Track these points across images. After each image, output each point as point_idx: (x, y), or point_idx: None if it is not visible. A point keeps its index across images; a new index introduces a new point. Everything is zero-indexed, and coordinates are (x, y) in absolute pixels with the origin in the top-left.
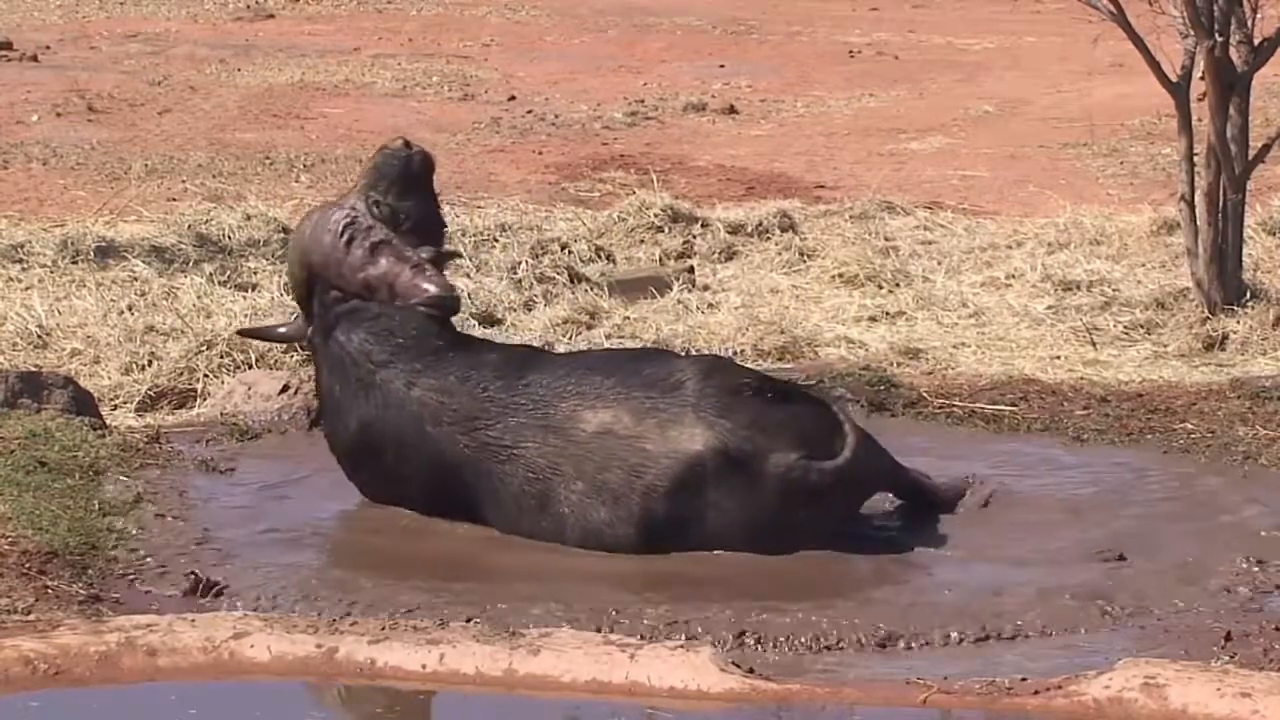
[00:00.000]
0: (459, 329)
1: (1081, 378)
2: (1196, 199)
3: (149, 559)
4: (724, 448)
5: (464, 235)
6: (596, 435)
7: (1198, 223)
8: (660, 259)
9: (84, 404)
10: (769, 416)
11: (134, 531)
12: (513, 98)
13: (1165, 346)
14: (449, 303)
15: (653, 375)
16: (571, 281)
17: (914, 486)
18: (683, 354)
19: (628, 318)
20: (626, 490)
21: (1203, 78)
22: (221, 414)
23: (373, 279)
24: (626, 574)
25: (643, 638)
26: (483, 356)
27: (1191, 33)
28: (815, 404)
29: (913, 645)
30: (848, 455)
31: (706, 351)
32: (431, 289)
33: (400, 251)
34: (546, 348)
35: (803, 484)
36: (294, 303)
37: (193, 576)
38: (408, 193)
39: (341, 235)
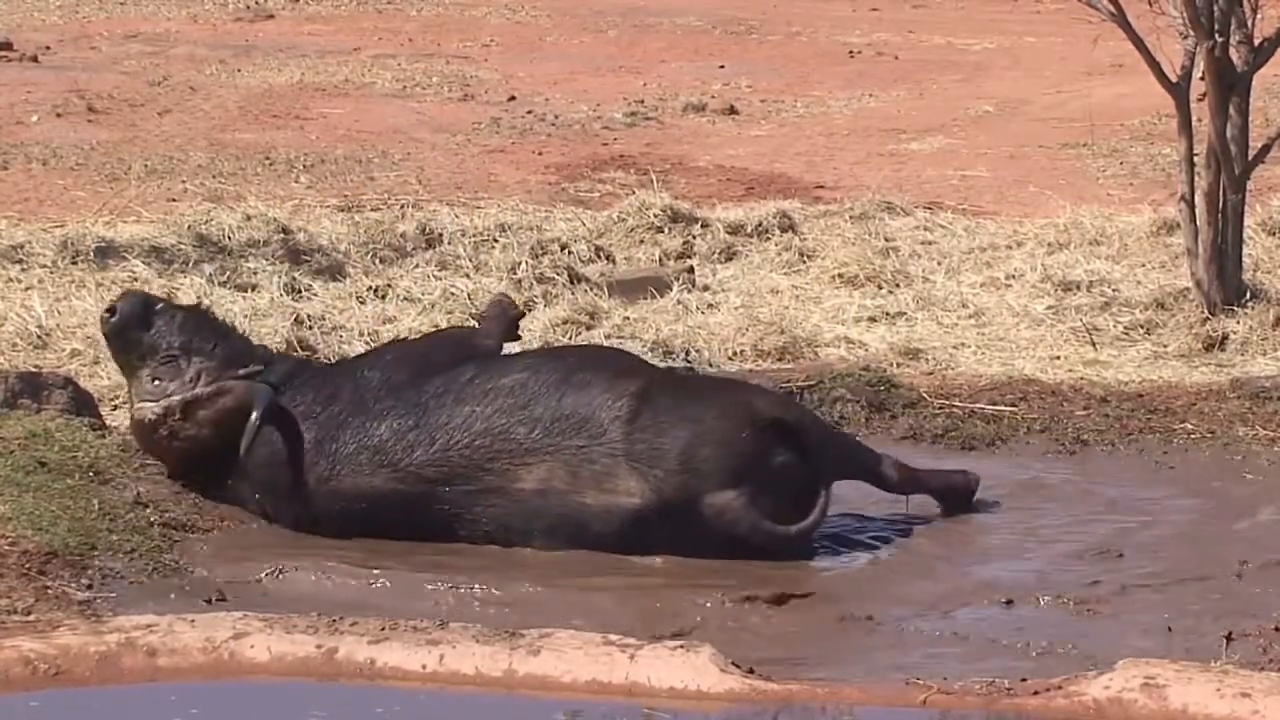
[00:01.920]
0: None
1: (1081, 378)
2: (1196, 199)
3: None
4: (659, 497)
5: (464, 235)
6: (537, 494)
7: (1198, 223)
8: (660, 259)
9: (84, 404)
10: (699, 453)
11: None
12: (513, 98)
13: (1165, 347)
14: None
15: (577, 417)
16: (571, 282)
17: (874, 473)
18: (599, 365)
19: (627, 318)
20: (578, 542)
21: (1203, 78)
22: None
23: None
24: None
25: (642, 638)
26: (374, 428)
27: (1191, 33)
28: (756, 422)
29: None
30: (812, 520)
31: (705, 352)
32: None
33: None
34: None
35: (740, 529)
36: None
37: None
38: (145, 336)
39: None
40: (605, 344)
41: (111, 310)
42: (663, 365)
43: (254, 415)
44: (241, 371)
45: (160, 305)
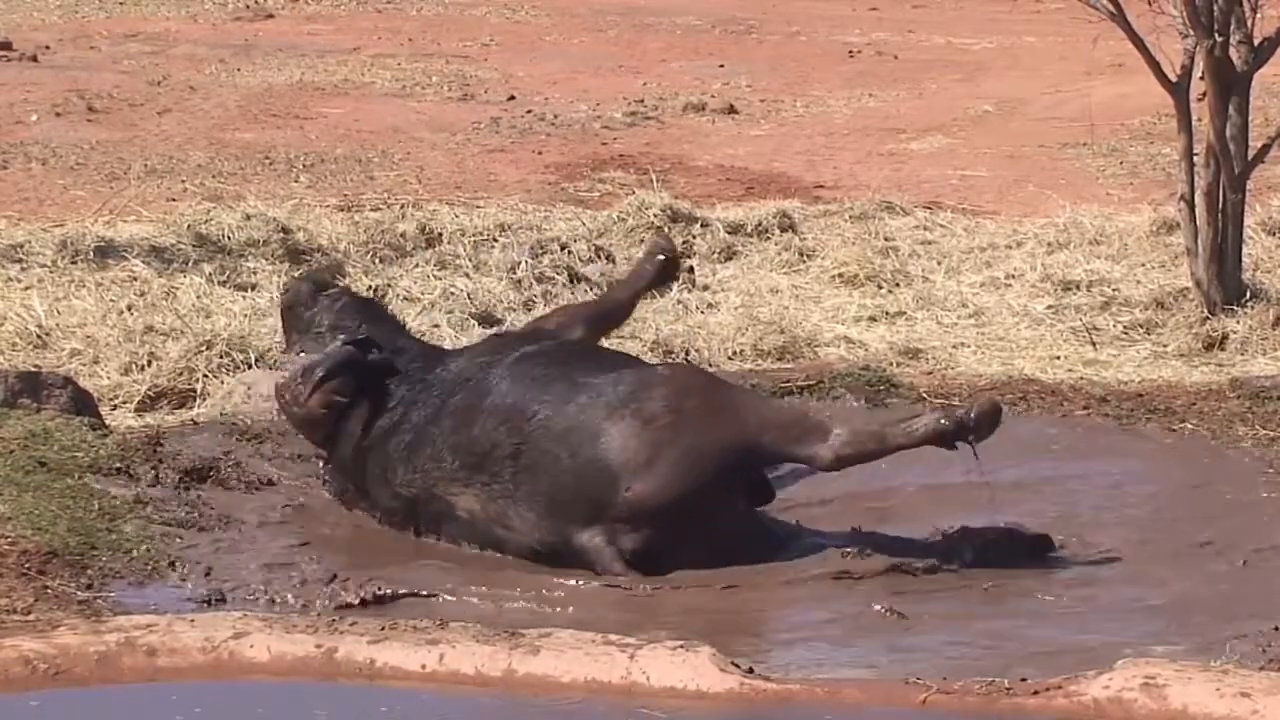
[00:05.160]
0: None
1: (1081, 378)
2: (1196, 199)
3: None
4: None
5: (464, 235)
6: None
7: (1197, 222)
8: None
9: (83, 404)
10: (535, 487)
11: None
12: (512, 98)
13: (1165, 346)
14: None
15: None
16: (571, 281)
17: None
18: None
19: None
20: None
21: (1202, 77)
22: (221, 414)
23: None
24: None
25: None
26: (431, 430)
27: (1191, 32)
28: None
29: None
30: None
31: (704, 351)
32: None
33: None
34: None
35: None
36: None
37: None
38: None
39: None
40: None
41: (285, 289)
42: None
43: (318, 369)
44: (345, 340)
45: (332, 290)
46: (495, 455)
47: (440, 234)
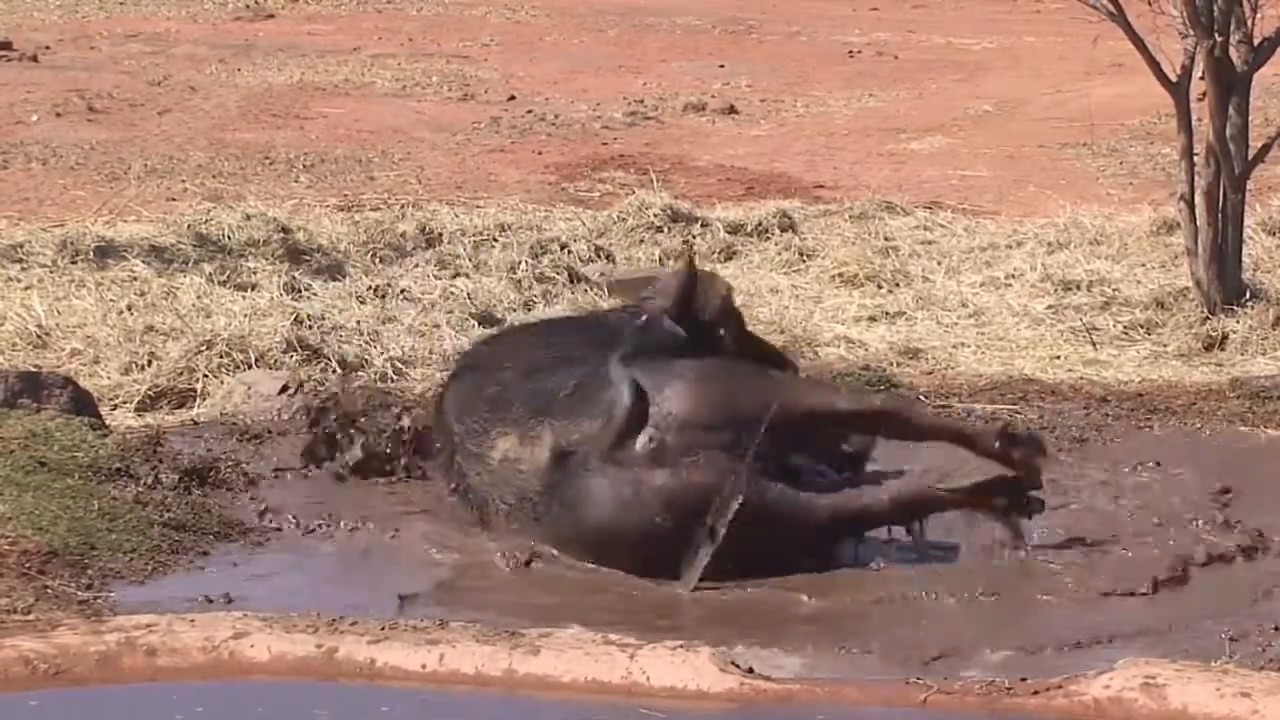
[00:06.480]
0: None
1: (1081, 378)
2: (1196, 199)
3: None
4: (555, 444)
5: (464, 235)
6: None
7: (1197, 222)
8: (660, 259)
9: (83, 404)
10: (581, 402)
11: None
12: (512, 98)
13: (1165, 346)
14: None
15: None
16: (571, 281)
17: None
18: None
19: None
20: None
21: (1202, 77)
22: (221, 414)
23: None
24: None
25: (642, 638)
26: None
27: (1191, 32)
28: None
29: None
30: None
31: None
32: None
33: None
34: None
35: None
36: None
37: None
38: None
39: None
40: None
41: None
42: None
43: None
44: None
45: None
46: (558, 395)
47: (440, 234)
